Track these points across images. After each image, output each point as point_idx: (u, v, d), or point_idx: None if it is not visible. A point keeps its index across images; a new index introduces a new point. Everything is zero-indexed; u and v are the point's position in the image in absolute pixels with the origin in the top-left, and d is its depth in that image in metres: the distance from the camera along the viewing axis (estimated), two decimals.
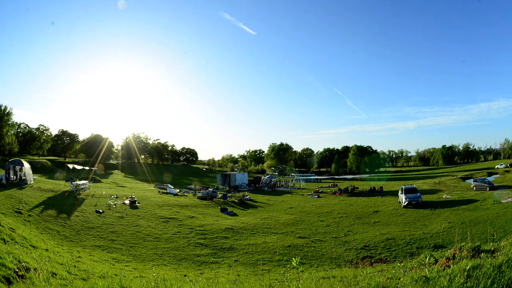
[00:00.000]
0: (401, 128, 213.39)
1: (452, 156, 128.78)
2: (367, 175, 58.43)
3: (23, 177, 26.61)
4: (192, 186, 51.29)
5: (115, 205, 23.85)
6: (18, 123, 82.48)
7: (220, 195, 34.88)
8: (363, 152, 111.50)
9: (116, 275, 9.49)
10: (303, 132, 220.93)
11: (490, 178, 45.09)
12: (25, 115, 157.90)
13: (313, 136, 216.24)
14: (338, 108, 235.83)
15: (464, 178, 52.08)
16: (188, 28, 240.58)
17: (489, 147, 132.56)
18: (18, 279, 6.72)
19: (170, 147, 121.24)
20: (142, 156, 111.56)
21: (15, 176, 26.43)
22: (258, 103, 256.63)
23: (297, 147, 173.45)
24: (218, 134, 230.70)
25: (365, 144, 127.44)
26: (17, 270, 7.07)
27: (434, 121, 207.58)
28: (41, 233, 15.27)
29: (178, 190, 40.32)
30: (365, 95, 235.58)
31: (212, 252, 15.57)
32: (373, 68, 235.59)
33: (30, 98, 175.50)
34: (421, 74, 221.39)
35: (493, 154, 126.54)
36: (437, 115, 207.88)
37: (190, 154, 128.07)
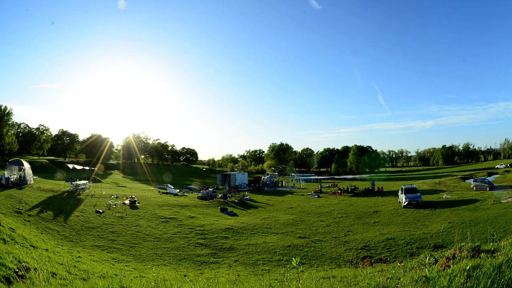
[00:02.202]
0: (419, 127, 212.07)
1: (452, 156, 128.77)
2: (367, 175, 58.42)
3: (23, 177, 26.61)
4: (193, 186, 51.31)
5: (115, 205, 23.85)
6: (18, 123, 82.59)
7: (220, 195, 34.89)
8: (363, 152, 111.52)
9: (116, 275, 9.49)
10: (319, 131, 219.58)
11: (490, 178, 45.13)
12: (26, 112, 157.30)
13: (330, 135, 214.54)
14: (366, 105, 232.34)
15: (464, 178, 52.12)
16: (189, 28, 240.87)
17: (489, 147, 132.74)
18: (18, 279, 6.72)
19: (170, 147, 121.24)
20: (142, 156, 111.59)
21: (15, 176, 26.42)
22: (273, 100, 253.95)
23: (297, 147, 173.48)
24: (218, 134, 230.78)
25: (367, 144, 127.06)
26: (17, 270, 7.07)
27: (452, 120, 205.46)
28: (41, 233, 15.27)
29: (178, 190, 40.34)
30: (397, 92, 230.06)
31: (212, 252, 15.57)
32: (410, 64, 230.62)
33: (29, 98, 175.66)
34: (454, 71, 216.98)
35: (493, 154, 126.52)
36: (458, 114, 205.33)
37: (190, 154, 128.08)
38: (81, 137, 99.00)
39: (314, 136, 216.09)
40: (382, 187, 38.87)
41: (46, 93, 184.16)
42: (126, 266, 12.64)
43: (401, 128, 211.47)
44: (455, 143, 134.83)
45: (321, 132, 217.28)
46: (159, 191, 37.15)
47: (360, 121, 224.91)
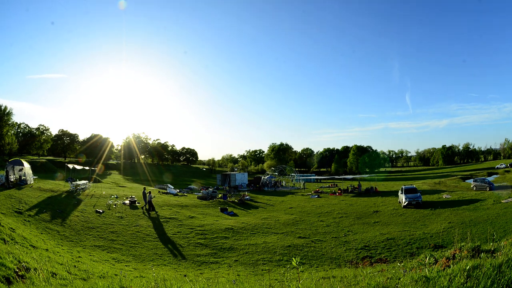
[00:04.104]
0: (433, 126, 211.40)
1: (452, 156, 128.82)
2: (368, 175, 58.44)
3: (23, 177, 26.60)
4: (193, 186, 51.26)
5: (115, 205, 23.85)
6: (18, 123, 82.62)
7: (220, 195, 34.88)
8: (363, 152, 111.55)
9: (116, 275, 9.49)
10: (332, 130, 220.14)
11: (490, 178, 45.16)
12: (29, 109, 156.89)
13: (342, 133, 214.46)
14: (390, 102, 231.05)
15: (464, 178, 52.11)
16: (189, 29, 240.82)
17: (489, 147, 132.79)
18: (18, 279, 6.72)
19: (170, 147, 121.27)
20: (142, 156, 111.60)
21: (15, 176, 26.41)
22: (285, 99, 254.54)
23: (297, 147, 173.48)
24: (218, 134, 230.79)
25: (377, 143, 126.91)
26: (17, 270, 7.07)
27: (466, 119, 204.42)
28: (41, 233, 15.27)
29: (178, 190, 40.35)
30: (424, 89, 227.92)
31: (212, 252, 15.57)
32: (442, 61, 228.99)
33: (30, 97, 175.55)
34: (482, 69, 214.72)
35: (493, 154, 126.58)
36: (473, 113, 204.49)
37: (190, 154, 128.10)
38: (81, 137, 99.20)
39: (326, 135, 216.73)
40: (375, 187, 38.64)
41: (45, 92, 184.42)
42: (126, 266, 12.64)
43: (415, 127, 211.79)
44: (463, 143, 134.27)
45: (332, 131, 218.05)
46: (159, 191, 37.14)
47: (378, 120, 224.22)
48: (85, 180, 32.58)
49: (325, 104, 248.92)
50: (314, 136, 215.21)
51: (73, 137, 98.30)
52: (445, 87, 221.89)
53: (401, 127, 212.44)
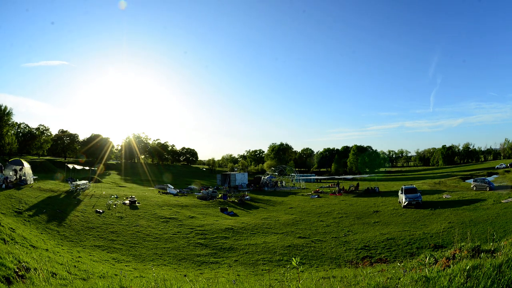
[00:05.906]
0: (447, 125, 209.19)
1: (452, 156, 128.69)
2: (368, 175, 58.42)
3: (23, 177, 26.60)
4: (193, 186, 51.22)
5: (115, 205, 23.85)
6: (18, 123, 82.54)
7: (220, 195, 34.88)
8: (363, 152, 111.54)
9: (116, 275, 9.49)
10: (348, 129, 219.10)
11: (490, 178, 45.10)
12: (26, 105, 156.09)
13: (357, 132, 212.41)
14: (413, 101, 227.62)
15: (464, 178, 52.07)
16: (188, 29, 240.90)
17: (489, 147, 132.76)
18: (18, 279, 6.72)
19: (170, 147, 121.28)
20: (142, 156, 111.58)
21: (15, 176, 26.41)
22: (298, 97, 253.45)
23: (297, 147, 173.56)
24: (218, 134, 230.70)
25: (390, 143, 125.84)
26: (17, 270, 7.07)
27: (480, 119, 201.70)
28: (41, 233, 15.27)
29: (178, 190, 40.34)
30: (448, 87, 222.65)
31: (212, 252, 15.57)
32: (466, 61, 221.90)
33: (28, 93, 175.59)
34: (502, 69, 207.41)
35: (493, 154, 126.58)
36: (489, 112, 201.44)
37: (190, 154, 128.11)
38: (81, 137, 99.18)
39: (342, 134, 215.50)
40: (377, 187, 38.63)
41: (44, 87, 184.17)
42: (126, 266, 12.64)
43: (428, 126, 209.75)
44: (463, 143, 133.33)
45: (347, 130, 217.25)
46: (159, 191, 37.15)
47: (397, 118, 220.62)
48: (85, 180, 32.59)
49: (339, 104, 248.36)
50: (329, 135, 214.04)
51: (73, 137, 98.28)
52: (468, 85, 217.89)
53: (416, 126, 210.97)
